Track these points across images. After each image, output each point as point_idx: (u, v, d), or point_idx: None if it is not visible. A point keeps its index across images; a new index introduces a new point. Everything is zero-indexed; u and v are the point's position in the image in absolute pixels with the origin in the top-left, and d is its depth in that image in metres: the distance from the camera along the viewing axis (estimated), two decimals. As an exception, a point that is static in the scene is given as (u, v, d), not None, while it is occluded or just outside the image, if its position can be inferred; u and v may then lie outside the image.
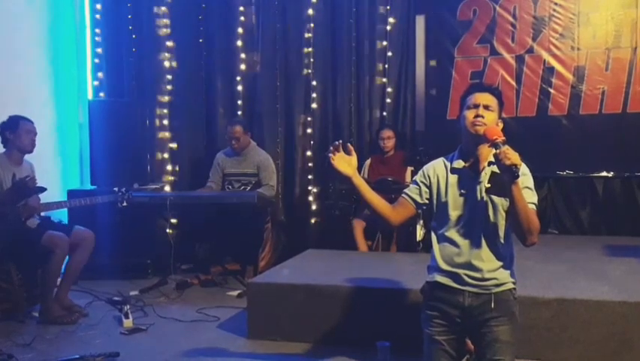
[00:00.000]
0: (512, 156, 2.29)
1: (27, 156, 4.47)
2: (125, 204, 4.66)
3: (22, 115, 4.42)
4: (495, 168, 2.43)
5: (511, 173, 2.29)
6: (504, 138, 2.36)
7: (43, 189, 4.38)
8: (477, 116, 2.49)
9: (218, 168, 5.66)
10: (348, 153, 2.54)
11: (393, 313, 3.52)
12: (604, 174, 5.64)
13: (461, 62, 5.92)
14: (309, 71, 6.20)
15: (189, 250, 5.64)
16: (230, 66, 6.36)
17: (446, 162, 2.65)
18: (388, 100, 6.06)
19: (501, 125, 2.55)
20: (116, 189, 4.69)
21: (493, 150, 2.36)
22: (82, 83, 6.50)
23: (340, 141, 2.55)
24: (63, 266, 4.43)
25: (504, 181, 2.36)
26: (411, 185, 2.72)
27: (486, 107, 2.50)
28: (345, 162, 2.52)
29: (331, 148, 2.52)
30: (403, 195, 2.68)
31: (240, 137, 5.51)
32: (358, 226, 5.35)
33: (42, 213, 4.45)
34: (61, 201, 4.83)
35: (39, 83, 5.96)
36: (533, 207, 2.45)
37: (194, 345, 3.70)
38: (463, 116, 2.55)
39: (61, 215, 5.21)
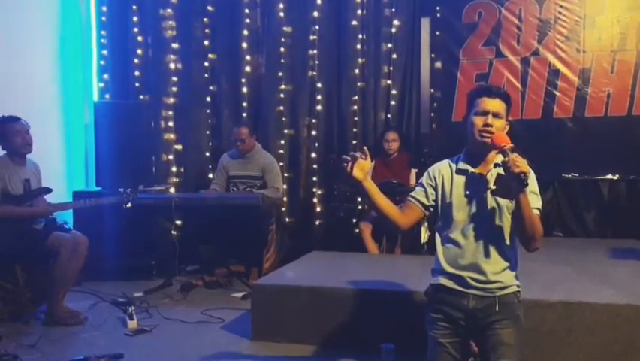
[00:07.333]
0: (521, 164, 2.27)
1: (33, 156, 4.47)
2: (129, 205, 4.67)
3: (18, 115, 4.36)
4: (501, 170, 2.41)
5: (520, 181, 2.27)
6: (512, 145, 2.34)
7: (49, 190, 4.40)
8: (485, 125, 2.45)
9: (223, 170, 5.66)
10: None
11: (398, 315, 3.52)
12: (609, 176, 5.62)
13: (466, 64, 5.92)
14: (314, 73, 6.21)
15: (194, 252, 5.65)
16: (236, 68, 6.37)
17: (452, 163, 2.62)
18: (393, 102, 6.05)
19: (507, 127, 2.53)
20: (121, 189, 4.70)
21: (501, 156, 2.35)
22: (87, 84, 6.53)
23: (365, 148, 2.51)
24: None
25: (510, 183, 2.35)
26: (417, 187, 2.68)
27: (495, 115, 2.47)
28: (358, 167, 2.46)
29: (355, 154, 2.45)
30: (409, 198, 2.65)
31: (246, 139, 5.51)
32: (366, 229, 5.32)
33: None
34: (67, 203, 4.83)
35: (45, 84, 5.99)
36: (537, 212, 2.43)
37: (199, 346, 3.70)
38: (471, 121, 2.50)
39: (67, 217, 5.22)
